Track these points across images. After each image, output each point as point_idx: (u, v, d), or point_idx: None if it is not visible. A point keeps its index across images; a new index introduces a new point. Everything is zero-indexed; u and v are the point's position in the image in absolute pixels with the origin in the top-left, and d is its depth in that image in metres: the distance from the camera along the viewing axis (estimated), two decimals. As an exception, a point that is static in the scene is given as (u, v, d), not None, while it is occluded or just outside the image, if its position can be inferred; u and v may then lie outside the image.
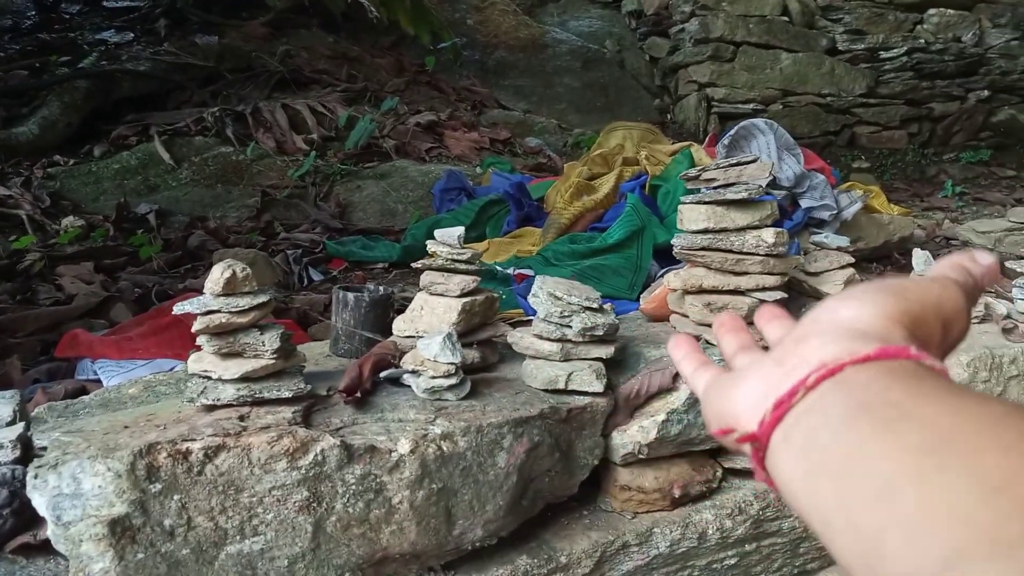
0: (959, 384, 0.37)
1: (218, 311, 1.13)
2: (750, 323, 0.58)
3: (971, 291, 0.46)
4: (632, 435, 1.33)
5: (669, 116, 5.99)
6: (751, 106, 5.66)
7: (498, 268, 2.56)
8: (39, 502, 1.01)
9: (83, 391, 1.74)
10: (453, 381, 1.22)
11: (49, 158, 3.79)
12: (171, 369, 1.70)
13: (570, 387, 1.30)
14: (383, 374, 1.28)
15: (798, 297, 1.64)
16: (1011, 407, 0.32)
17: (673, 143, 3.73)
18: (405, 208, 3.77)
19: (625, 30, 6.54)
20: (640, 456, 1.33)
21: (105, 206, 3.56)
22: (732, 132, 2.85)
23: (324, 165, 3.94)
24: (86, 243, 3.24)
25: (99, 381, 1.79)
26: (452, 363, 1.22)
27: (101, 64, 4.36)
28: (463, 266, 1.39)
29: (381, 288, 1.55)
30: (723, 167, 1.50)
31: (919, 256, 1.92)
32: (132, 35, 4.80)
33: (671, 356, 0.58)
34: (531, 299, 1.36)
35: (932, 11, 5.95)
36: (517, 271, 2.54)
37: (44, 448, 1.12)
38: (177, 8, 4.89)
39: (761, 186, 1.48)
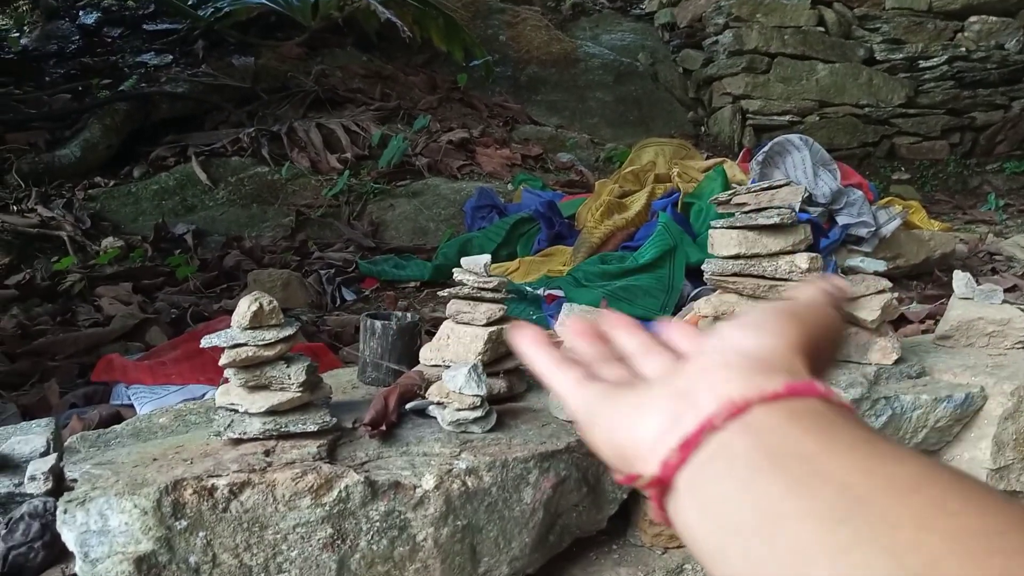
0: (867, 427, 0.35)
1: (245, 344, 1.13)
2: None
3: (841, 312, 0.47)
4: (662, 467, 1.30)
5: (703, 129, 5.94)
6: (787, 118, 5.59)
7: (528, 289, 2.55)
8: (68, 537, 1.02)
9: (117, 417, 1.76)
10: (479, 414, 1.21)
11: (90, 180, 3.88)
12: (202, 396, 1.72)
13: (598, 418, 1.28)
14: (408, 406, 1.27)
15: (834, 322, 1.60)
16: (924, 466, 0.31)
17: (707, 158, 3.69)
18: (437, 226, 3.78)
19: (658, 43, 6.51)
20: (670, 489, 1.31)
21: (144, 227, 3.63)
22: (766, 148, 2.81)
23: (357, 184, 3.98)
24: (125, 264, 3.30)
25: (133, 407, 1.82)
26: (477, 395, 1.21)
27: (141, 86, 4.45)
28: (490, 294, 1.38)
29: (409, 315, 1.55)
30: (754, 191, 1.47)
31: (959, 278, 1.86)
32: (171, 57, 4.90)
33: (516, 350, 0.51)
34: (558, 328, 1.34)
35: (973, 18, 5.83)
36: (547, 292, 2.53)
37: (75, 480, 1.13)
38: (215, 30, 4.99)
39: (794, 211, 1.45)
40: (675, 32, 6.40)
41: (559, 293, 2.51)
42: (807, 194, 2.65)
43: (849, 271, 1.61)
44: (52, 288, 3.03)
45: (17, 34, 5.18)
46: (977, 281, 2.61)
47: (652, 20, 6.76)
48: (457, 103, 5.22)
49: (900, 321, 2.49)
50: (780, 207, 1.44)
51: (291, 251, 3.46)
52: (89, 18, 5.23)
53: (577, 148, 5.09)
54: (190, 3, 4.95)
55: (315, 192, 3.93)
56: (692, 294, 2.38)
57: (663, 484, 0.37)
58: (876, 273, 1.60)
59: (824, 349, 0.43)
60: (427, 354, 1.40)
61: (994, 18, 5.82)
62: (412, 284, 3.12)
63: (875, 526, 0.29)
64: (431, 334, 1.57)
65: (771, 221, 1.42)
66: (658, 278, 2.44)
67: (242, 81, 4.65)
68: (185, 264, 3.22)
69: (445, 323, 1.41)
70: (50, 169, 3.81)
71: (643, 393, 0.41)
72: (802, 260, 1.44)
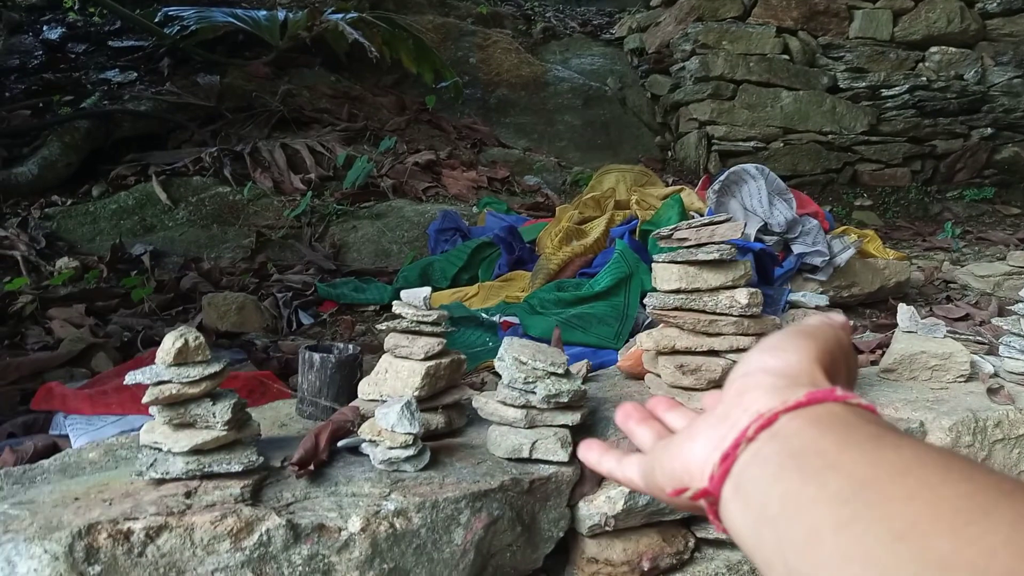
0: (885, 423, 0.40)
1: (169, 381, 1.11)
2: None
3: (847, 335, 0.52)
4: (599, 506, 1.29)
5: (670, 153, 5.99)
6: (751, 144, 5.65)
7: (483, 316, 2.54)
8: (-25, 583, 0.99)
9: (54, 448, 1.72)
10: (411, 452, 1.20)
11: (47, 198, 3.82)
12: (140, 428, 1.68)
13: (534, 456, 1.27)
14: (341, 443, 1.25)
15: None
16: (918, 450, 0.36)
17: (669, 184, 3.72)
18: (400, 248, 3.76)
19: (627, 68, 6.57)
20: (607, 528, 1.30)
21: (101, 247, 3.57)
22: (723, 178, 2.84)
23: (320, 205, 3.95)
24: (79, 285, 3.25)
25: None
26: (410, 433, 1.19)
27: (103, 104, 4.40)
28: (429, 328, 1.37)
29: (350, 347, 1.53)
30: (695, 227, 1.48)
31: (903, 311, 1.88)
32: (136, 74, 4.85)
33: (584, 461, 0.61)
34: (497, 363, 1.33)
35: (934, 49, 5.95)
36: (503, 318, 2.52)
37: (-8, 520, 1.10)
38: (180, 48, 4.95)
39: (733, 247, 1.45)
40: (644, 57, 6.47)
41: (515, 320, 2.50)
42: (762, 223, 2.67)
43: (792, 305, 1.62)
44: (2, 310, 2.96)
45: (-22, 49, 5.10)
46: (931, 308, 2.64)
47: (621, 45, 6.83)
48: (425, 125, 5.22)
49: (853, 350, 2.51)
50: (720, 243, 1.45)
51: (250, 273, 3.42)
52: (53, 33, 5.17)
53: (544, 171, 5.11)
54: (156, 20, 4.91)
55: (277, 213, 3.90)
56: (647, 322, 2.38)
57: (710, 495, 0.43)
58: (818, 308, 1.61)
59: (840, 363, 0.48)
60: (365, 388, 1.39)
61: (954, 49, 5.95)
62: (371, 308, 3.10)
63: (872, 503, 0.34)
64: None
65: (711, 257, 1.43)
66: (613, 306, 2.44)
67: (207, 100, 4.62)
68: (141, 286, 3.17)
69: (384, 357, 1.40)
70: (5, 187, 3.75)
71: (691, 427, 0.47)
72: (742, 296, 1.44)
